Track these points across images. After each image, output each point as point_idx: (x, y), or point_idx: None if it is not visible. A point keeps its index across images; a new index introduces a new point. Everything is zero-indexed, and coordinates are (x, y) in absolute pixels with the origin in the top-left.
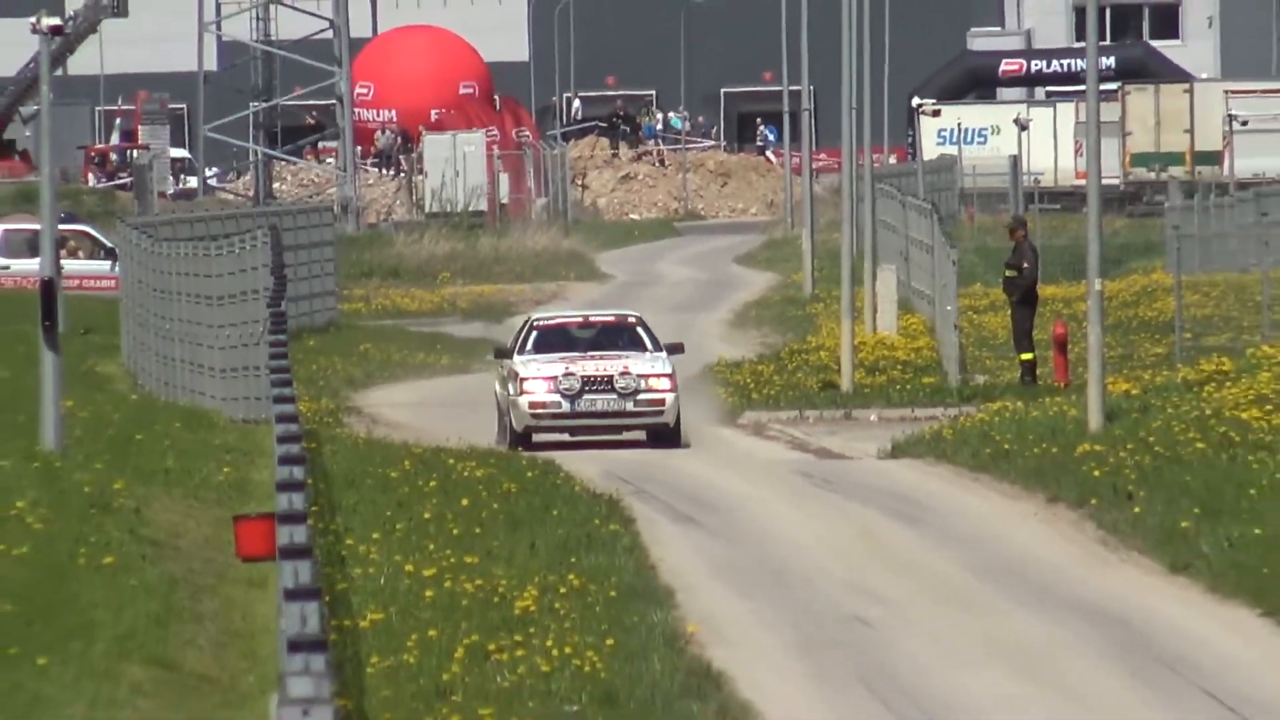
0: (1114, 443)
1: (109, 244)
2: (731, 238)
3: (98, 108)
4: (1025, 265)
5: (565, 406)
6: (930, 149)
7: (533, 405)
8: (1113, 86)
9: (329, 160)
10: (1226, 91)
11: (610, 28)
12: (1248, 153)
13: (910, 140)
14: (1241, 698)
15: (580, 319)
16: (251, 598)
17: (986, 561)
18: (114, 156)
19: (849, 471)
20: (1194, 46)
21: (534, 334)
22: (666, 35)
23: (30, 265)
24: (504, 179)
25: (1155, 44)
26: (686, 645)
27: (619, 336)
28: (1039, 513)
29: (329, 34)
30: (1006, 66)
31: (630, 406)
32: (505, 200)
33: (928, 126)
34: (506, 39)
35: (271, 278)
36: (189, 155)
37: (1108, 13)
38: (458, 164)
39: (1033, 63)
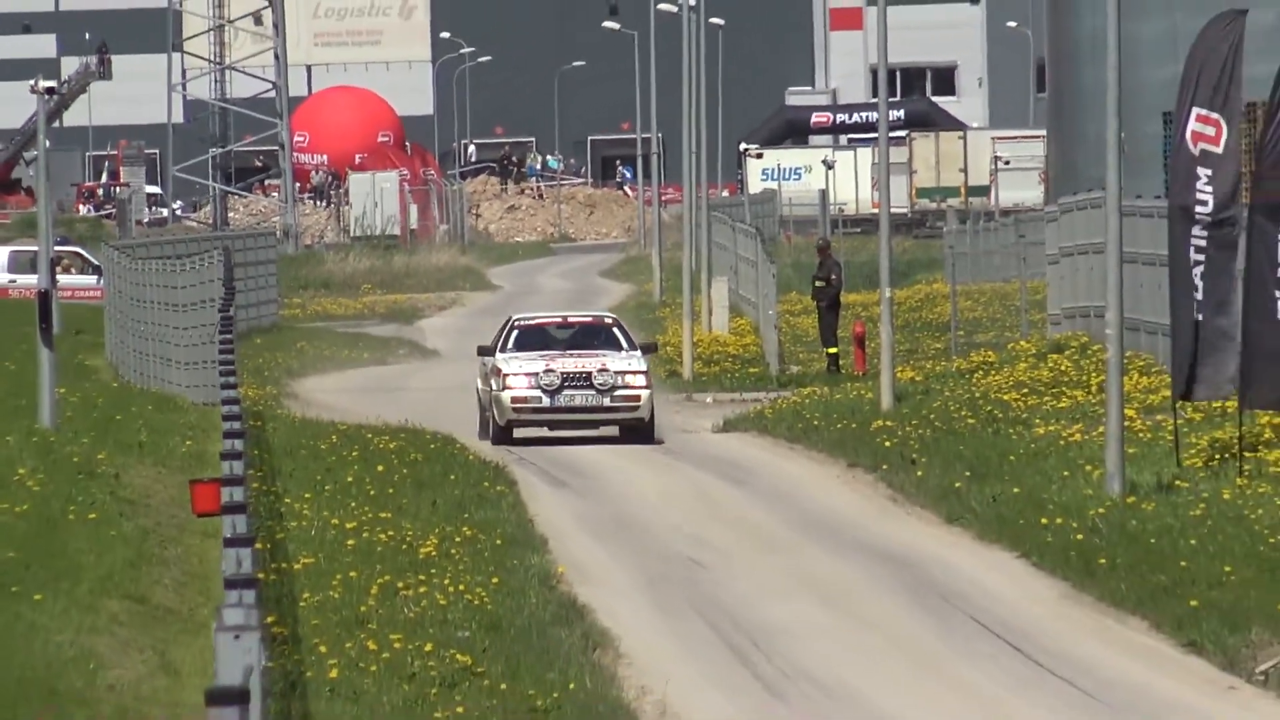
0: (901, 419)
1: (96, 262)
2: (596, 256)
3: (87, 152)
4: (832, 277)
5: (545, 401)
6: (755, 184)
7: (514, 400)
8: (902, 134)
9: (273, 194)
10: (993, 138)
11: (498, 88)
12: (1009, 186)
13: (739, 177)
14: (999, 621)
15: (560, 319)
16: (206, 546)
17: (798, 514)
18: (100, 192)
19: (689, 443)
20: (967, 102)
21: (515, 332)
22: (544, 93)
23: (31, 279)
24: (413, 209)
25: (936, 99)
26: (557, 583)
27: (596, 336)
28: (841, 475)
29: (273, 93)
30: (816, 118)
31: (607, 402)
32: (414, 226)
33: (753, 166)
34: (415, 97)
35: (222, 289)
36: (160, 191)
37: (898, 75)
38: (376, 197)
39: (837, 115)
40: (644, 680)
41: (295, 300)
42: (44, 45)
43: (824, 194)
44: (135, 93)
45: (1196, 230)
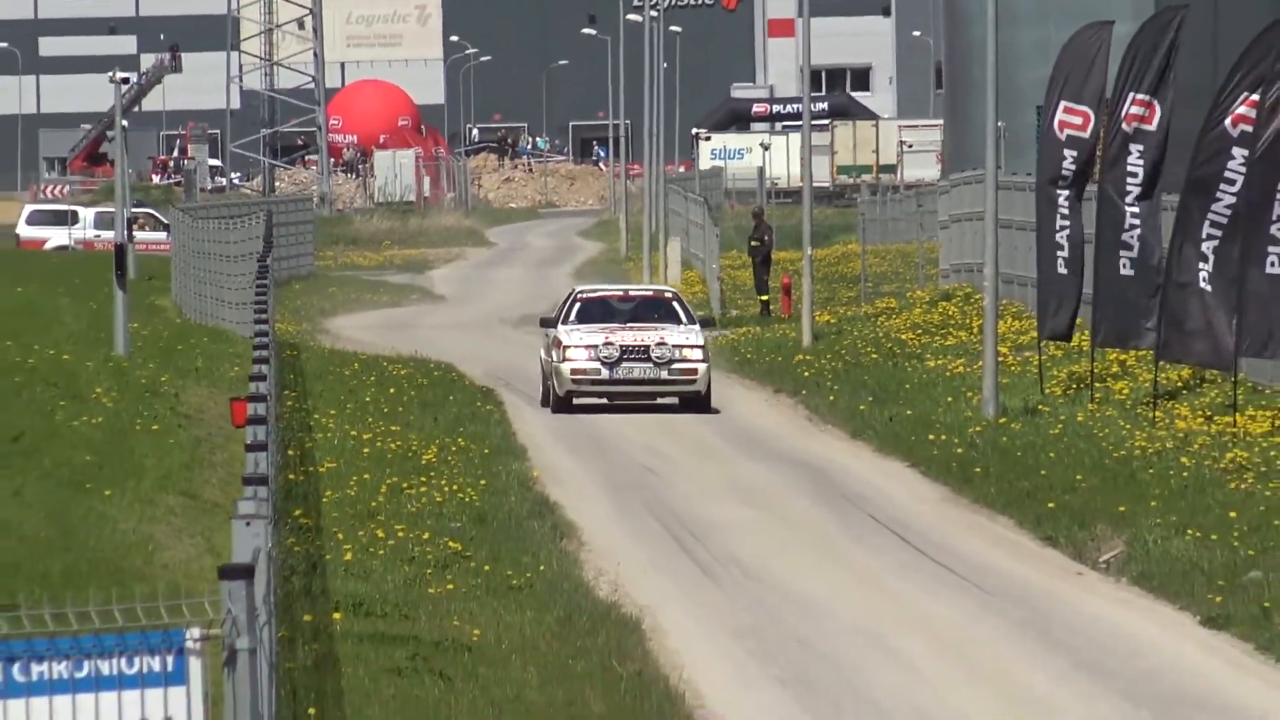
0: (818, 354)
1: (165, 221)
2: (575, 220)
3: (161, 132)
4: (765, 238)
5: (604, 373)
6: (705, 162)
7: (574, 372)
8: (825, 122)
9: (312, 167)
10: (899, 126)
11: (497, 82)
12: (912, 166)
13: (692, 156)
14: (892, 518)
15: (621, 292)
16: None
17: (733, 431)
18: (171, 164)
19: None
20: (879, 96)
21: (577, 305)
22: (534, 87)
23: (110, 234)
24: (426, 180)
25: (854, 94)
26: (533, 485)
27: (656, 309)
28: (768, 399)
29: (312, 85)
30: (756, 108)
31: (665, 375)
32: (427, 194)
33: (704, 147)
34: (429, 89)
35: (263, 244)
36: (220, 163)
37: (822, 74)
38: (396, 170)
39: (773, 106)
40: (601, 563)
41: (328, 254)
42: (126, 44)
43: (761, 170)
44: (200, 84)
45: (1061, 201)
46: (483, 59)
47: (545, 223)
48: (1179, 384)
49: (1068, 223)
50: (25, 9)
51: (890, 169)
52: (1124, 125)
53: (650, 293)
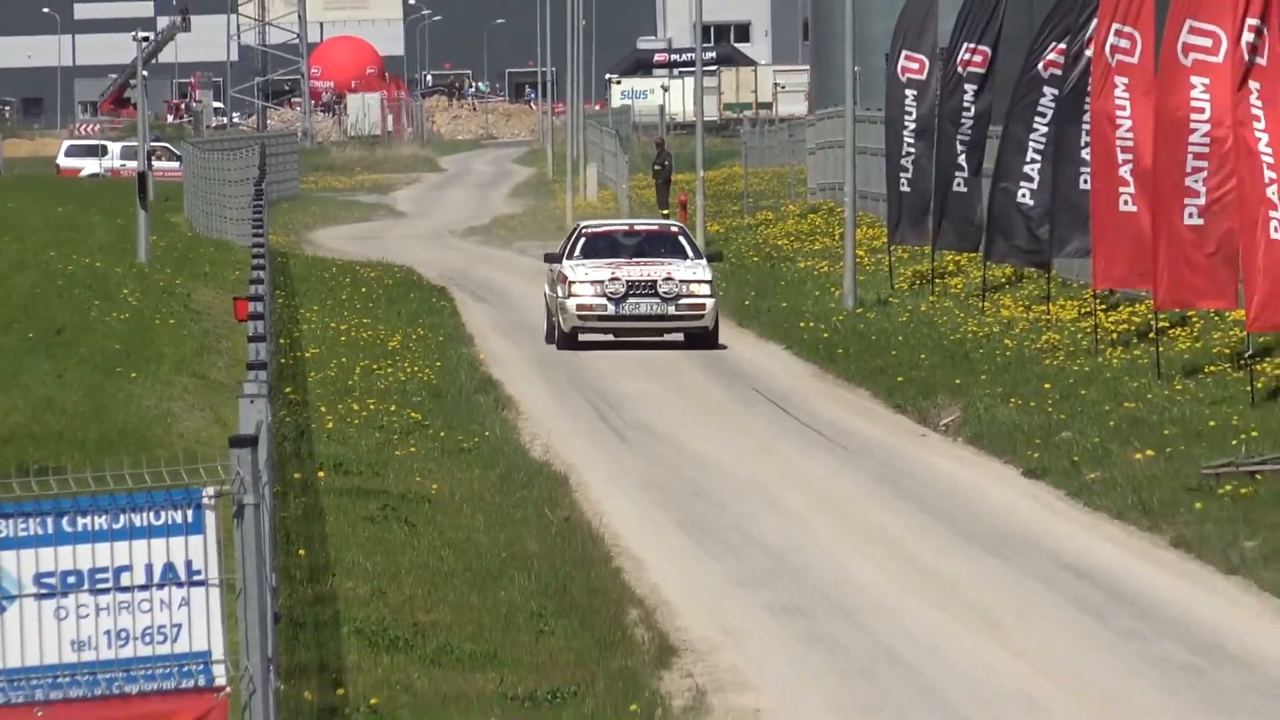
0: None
1: (178, 153)
2: (511, 150)
3: (174, 79)
4: (666, 163)
5: (611, 309)
6: (616, 102)
7: (580, 308)
8: (713, 69)
9: (297, 108)
10: (774, 70)
11: (447, 37)
12: (785, 103)
13: (606, 96)
14: (772, 390)
15: (626, 227)
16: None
17: None
18: (182, 106)
19: None
20: (758, 46)
21: (583, 240)
22: (477, 40)
23: (134, 164)
24: (389, 118)
25: (737, 45)
26: (479, 367)
27: (662, 244)
28: None
29: (297, 40)
30: (658, 57)
31: (672, 310)
32: (390, 129)
33: (615, 90)
34: (391, 43)
35: (258, 172)
36: (222, 105)
37: (711, 29)
38: (365, 110)
39: (672, 55)
40: (534, 429)
41: (310, 179)
42: (145, 9)
43: (661, 108)
44: (206, 40)
45: (906, 133)
46: (434, 18)
47: (486, 152)
48: (1003, 280)
49: (912, 150)
50: None
51: (767, 106)
52: (959, 69)
53: (656, 227)
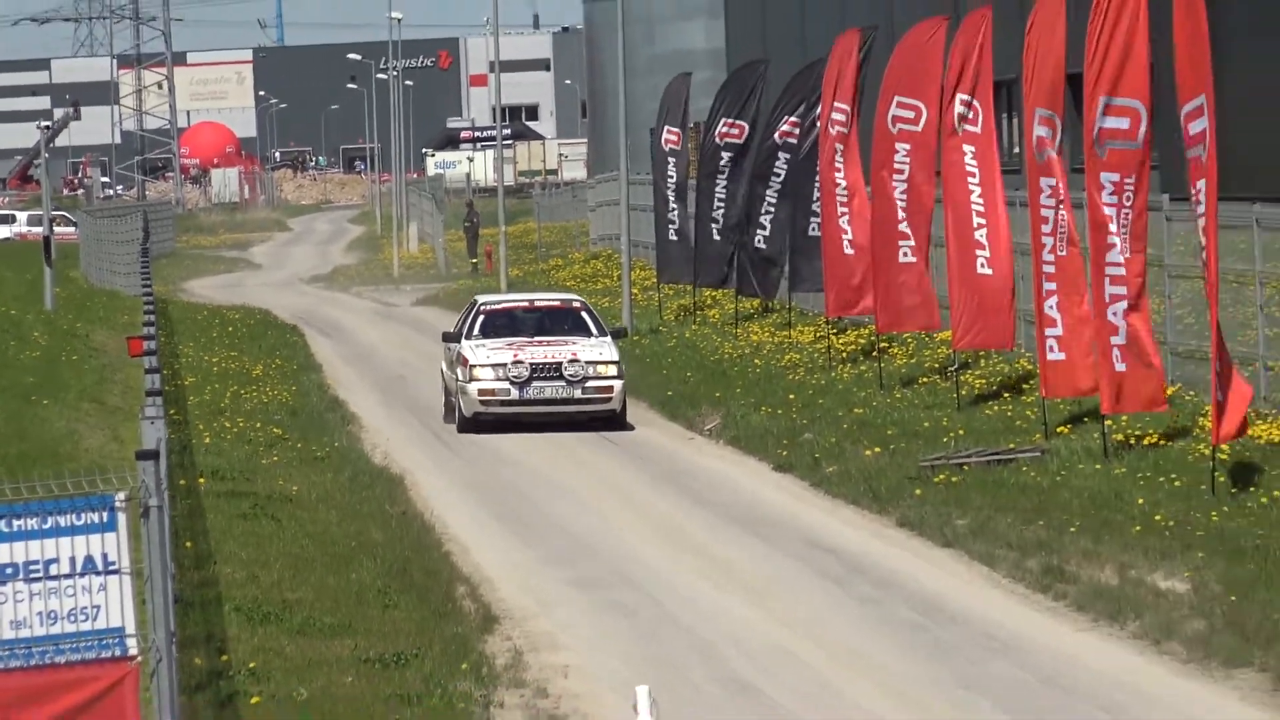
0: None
1: (73, 219)
2: (346, 212)
3: (69, 160)
4: (474, 220)
5: (514, 394)
6: (432, 171)
7: (482, 393)
8: (509, 142)
9: (170, 181)
10: (559, 143)
11: (291, 120)
12: (568, 170)
13: (424, 167)
14: None
15: (526, 303)
16: (137, 374)
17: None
18: (76, 181)
19: (398, 312)
20: (545, 123)
21: (481, 318)
22: (316, 123)
23: (38, 229)
24: (246, 188)
25: (529, 123)
26: (327, 390)
27: (564, 320)
28: None
29: (169, 126)
30: (464, 134)
31: (578, 394)
32: (247, 197)
33: (430, 161)
34: (246, 127)
35: (141, 233)
36: (108, 180)
37: (506, 111)
38: (226, 182)
39: (476, 132)
40: (374, 440)
41: (182, 239)
42: (44, 103)
43: (468, 175)
44: (94, 126)
45: (669, 193)
46: (281, 106)
47: (326, 214)
48: (752, 311)
49: (674, 206)
50: None
51: (553, 172)
52: (717, 139)
53: (558, 302)
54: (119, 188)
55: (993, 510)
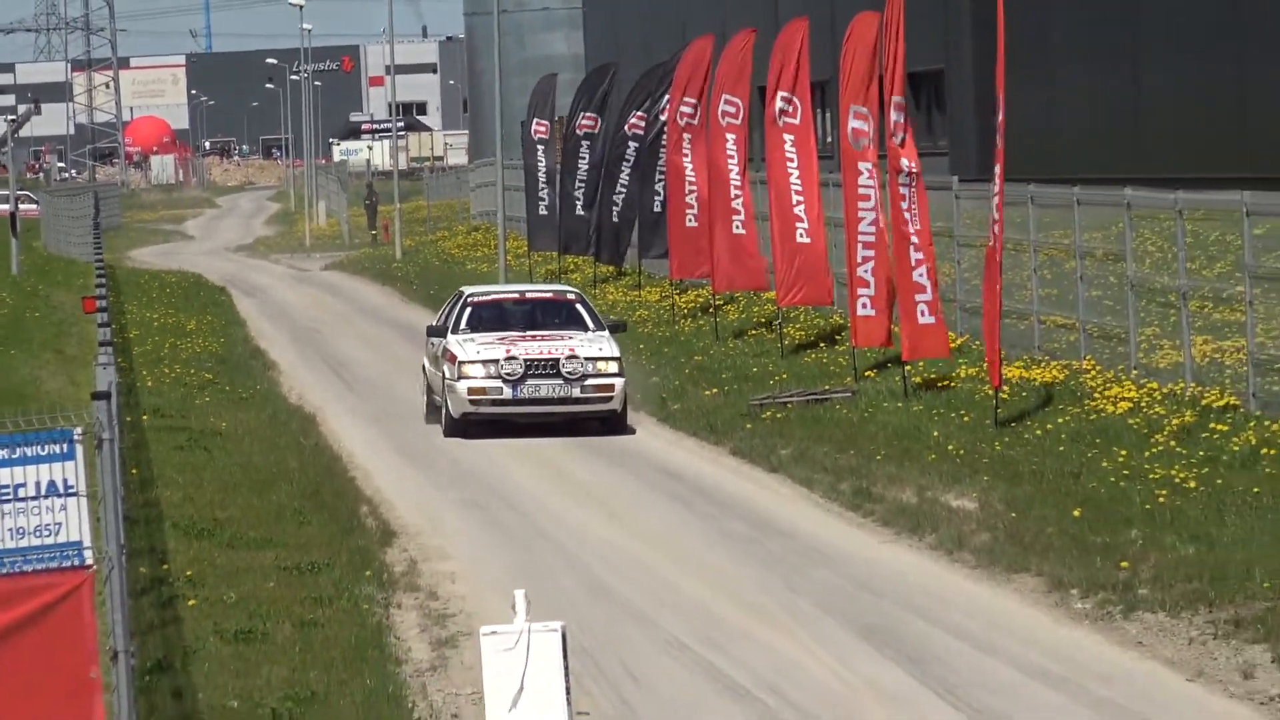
0: (406, 264)
1: (35, 198)
2: (265, 192)
3: (31, 148)
4: (374, 199)
5: (507, 393)
6: (337, 157)
7: (472, 391)
8: (403, 132)
9: (117, 165)
10: (445, 134)
11: (218, 115)
12: (452, 157)
13: (330, 154)
14: None
15: (517, 294)
16: (91, 328)
17: (357, 307)
18: (37, 166)
19: (310, 275)
20: (433, 117)
21: (469, 310)
22: (240, 117)
23: (4, 207)
24: (180, 172)
25: (419, 117)
26: (251, 341)
27: (558, 313)
28: (379, 289)
29: (115, 119)
30: (364, 126)
31: (576, 393)
32: (181, 179)
33: (336, 149)
34: (180, 120)
35: (93, 209)
36: (64, 165)
37: (400, 106)
38: (164, 166)
39: (375, 124)
40: (291, 384)
41: (128, 215)
42: (10, 100)
43: (368, 161)
44: (52, 120)
45: (539, 175)
46: (210, 102)
47: (248, 194)
48: (608, 274)
49: (544, 186)
50: None
51: (440, 158)
52: (577, 130)
53: (550, 294)
54: (73, 171)
55: (811, 441)
